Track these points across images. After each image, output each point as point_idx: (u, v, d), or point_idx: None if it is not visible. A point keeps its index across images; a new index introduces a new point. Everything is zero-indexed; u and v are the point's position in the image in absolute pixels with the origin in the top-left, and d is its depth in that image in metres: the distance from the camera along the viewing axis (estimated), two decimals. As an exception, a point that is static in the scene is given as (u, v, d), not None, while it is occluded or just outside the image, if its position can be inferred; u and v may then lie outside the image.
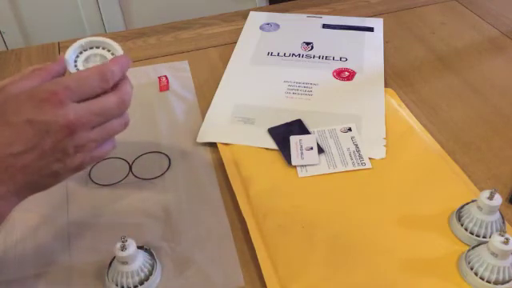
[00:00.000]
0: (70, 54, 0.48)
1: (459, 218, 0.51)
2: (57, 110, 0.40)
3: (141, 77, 0.75)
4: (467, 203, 0.52)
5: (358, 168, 0.58)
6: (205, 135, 0.64)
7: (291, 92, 0.71)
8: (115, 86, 0.45)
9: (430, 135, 0.63)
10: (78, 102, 0.42)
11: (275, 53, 0.79)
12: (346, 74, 0.74)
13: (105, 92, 0.44)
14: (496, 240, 0.45)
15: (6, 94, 0.42)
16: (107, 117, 0.44)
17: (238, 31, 0.85)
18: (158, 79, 0.74)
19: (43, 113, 0.40)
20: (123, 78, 0.46)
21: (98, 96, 0.44)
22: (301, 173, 0.58)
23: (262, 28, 0.85)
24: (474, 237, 0.50)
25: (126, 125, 0.47)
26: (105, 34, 0.87)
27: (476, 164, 0.60)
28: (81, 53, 0.50)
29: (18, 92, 0.42)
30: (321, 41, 0.81)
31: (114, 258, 0.46)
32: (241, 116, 0.66)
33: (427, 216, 0.53)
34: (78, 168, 0.44)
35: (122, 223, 0.54)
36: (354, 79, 0.73)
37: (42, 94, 0.41)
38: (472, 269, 0.46)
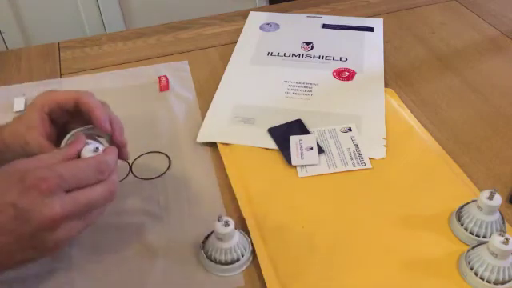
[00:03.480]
0: None
1: (459, 218, 0.51)
2: (43, 199, 0.39)
3: (141, 77, 0.75)
4: (467, 203, 0.52)
5: (357, 168, 0.58)
6: (205, 135, 0.64)
7: (291, 92, 0.71)
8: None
9: (430, 135, 0.63)
10: (68, 191, 0.41)
11: (275, 53, 0.79)
12: (346, 73, 0.74)
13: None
14: (496, 240, 0.44)
15: (7, 168, 0.41)
16: (92, 208, 0.43)
17: (238, 31, 0.85)
18: (158, 79, 0.74)
19: (28, 200, 0.38)
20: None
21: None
22: (301, 173, 0.58)
23: (262, 28, 0.85)
24: (474, 237, 0.50)
25: (101, 212, 0.45)
26: (105, 34, 0.87)
27: (476, 164, 0.60)
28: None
29: (18, 168, 0.41)
30: (321, 41, 0.81)
31: None
32: (241, 116, 0.66)
33: (427, 216, 0.53)
34: (53, 253, 0.42)
35: (122, 223, 0.54)
36: (354, 79, 0.73)
37: (32, 179, 0.39)
38: (472, 269, 0.46)
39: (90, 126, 0.49)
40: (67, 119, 0.51)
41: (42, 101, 0.50)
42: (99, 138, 0.50)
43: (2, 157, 0.49)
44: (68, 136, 0.49)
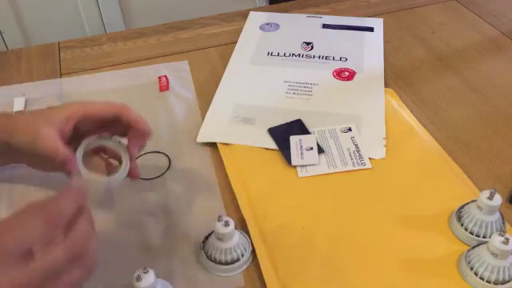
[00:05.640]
0: (79, 160, 0.48)
1: (459, 218, 0.51)
2: None
3: (141, 77, 0.75)
4: (467, 203, 0.52)
5: (357, 168, 0.58)
6: (205, 135, 0.64)
7: (291, 92, 0.71)
8: (69, 226, 0.37)
9: (430, 135, 0.63)
10: (26, 255, 0.34)
11: (275, 53, 0.79)
12: (346, 73, 0.74)
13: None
14: (496, 240, 0.44)
15: None
16: (58, 274, 0.36)
17: (238, 31, 0.85)
18: (158, 79, 0.74)
19: None
20: (80, 212, 0.38)
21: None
22: (301, 173, 0.58)
23: (262, 28, 0.85)
24: (474, 237, 0.50)
25: (89, 273, 0.38)
26: (105, 34, 0.87)
27: (476, 164, 0.60)
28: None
29: None
30: (321, 41, 0.81)
31: None
32: (241, 116, 0.66)
33: (427, 216, 0.53)
34: None
35: (122, 223, 0.54)
36: (354, 79, 0.73)
37: None
38: (472, 269, 0.46)
39: (107, 134, 0.50)
40: (91, 129, 0.50)
41: (76, 106, 0.49)
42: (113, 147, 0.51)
43: (10, 141, 0.48)
44: (84, 142, 0.49)
